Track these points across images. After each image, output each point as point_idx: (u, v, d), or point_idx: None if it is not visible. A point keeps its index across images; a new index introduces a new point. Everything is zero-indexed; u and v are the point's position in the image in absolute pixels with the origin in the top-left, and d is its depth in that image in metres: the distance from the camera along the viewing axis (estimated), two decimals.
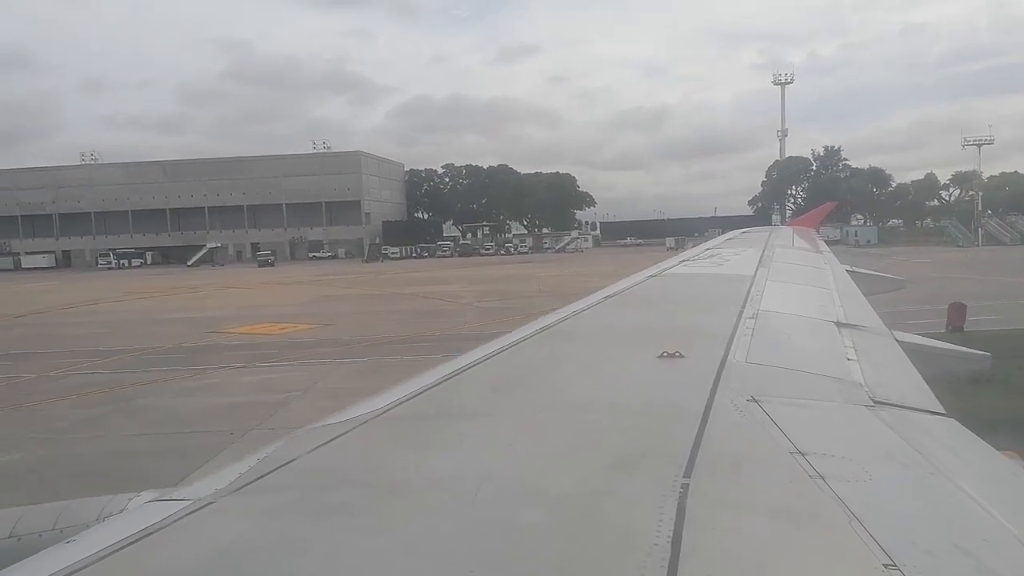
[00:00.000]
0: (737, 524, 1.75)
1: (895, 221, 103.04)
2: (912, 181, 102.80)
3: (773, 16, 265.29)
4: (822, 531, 1.74)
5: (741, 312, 4.64)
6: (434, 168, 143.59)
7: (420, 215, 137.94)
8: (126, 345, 26.47)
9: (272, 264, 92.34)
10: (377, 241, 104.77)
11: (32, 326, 34.43)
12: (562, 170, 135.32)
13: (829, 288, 6.47)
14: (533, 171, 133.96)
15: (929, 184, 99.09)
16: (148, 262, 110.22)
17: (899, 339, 4.51)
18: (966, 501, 1.99)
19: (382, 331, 27.69)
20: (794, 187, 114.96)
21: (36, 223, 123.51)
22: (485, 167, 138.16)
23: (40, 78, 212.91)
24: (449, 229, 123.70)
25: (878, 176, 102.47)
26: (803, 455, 2.15)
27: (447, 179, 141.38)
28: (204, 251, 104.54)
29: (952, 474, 2.18)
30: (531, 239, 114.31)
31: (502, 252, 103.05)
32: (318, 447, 2.34)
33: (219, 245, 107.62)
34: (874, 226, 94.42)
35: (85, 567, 1.62)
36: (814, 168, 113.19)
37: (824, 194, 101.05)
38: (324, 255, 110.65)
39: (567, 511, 1.80)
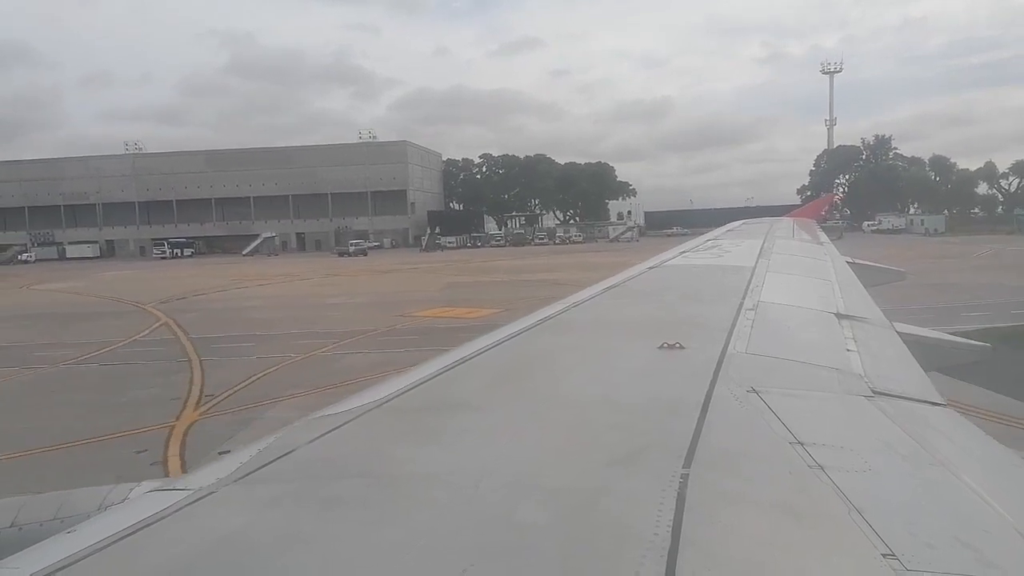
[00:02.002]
0: (736, 515, 1.75)
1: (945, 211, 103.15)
2: (959, 169, 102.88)
3: (774, 9, 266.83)
4: (821, 521, 1.74)
5: (741, 303, 4.62)
6: (471, 158, 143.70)
7: (453, 205, 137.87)
8: (337, 328, 26.46)
9: (366, 253, 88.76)
10: (438, 230, 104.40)
11: (197, 311, 34.30)
12: (565, 160, 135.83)
13: (829, 279, 6.47)
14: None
15: (988, 172, 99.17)
16: (196, 252, 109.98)
17: (899, 330, 4.50)
18: (965, 491, 1.99)
19: None
20: (842, 175, 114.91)
21: (78, 212, 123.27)
22: (522, 157, 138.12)
23: (43, 72, 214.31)
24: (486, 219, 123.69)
25: (941, 164, 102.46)
26: (803, 445, 2.16)
27: (484, 169, 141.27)
28: (259, 240, 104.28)
29: (951, 465, 2.18)
30: (575, 228, 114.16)
31: (556, 242, 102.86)
32: (318, 437, 2.36)
33: (273, 235, 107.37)
34: (941, 215, 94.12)
35: (86, 556, 1.61)
36: (863, 157, 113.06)
37: (881, 183, 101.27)
38: (370, 244, 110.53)
39: (567, 502, 1.81)
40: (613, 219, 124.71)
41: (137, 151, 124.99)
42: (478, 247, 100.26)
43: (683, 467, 1.96)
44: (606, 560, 1.53)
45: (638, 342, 3.62)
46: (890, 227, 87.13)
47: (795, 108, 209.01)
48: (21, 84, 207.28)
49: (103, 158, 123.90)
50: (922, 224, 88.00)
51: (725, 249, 8.77)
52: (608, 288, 5.73)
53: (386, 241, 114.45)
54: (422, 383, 3.01)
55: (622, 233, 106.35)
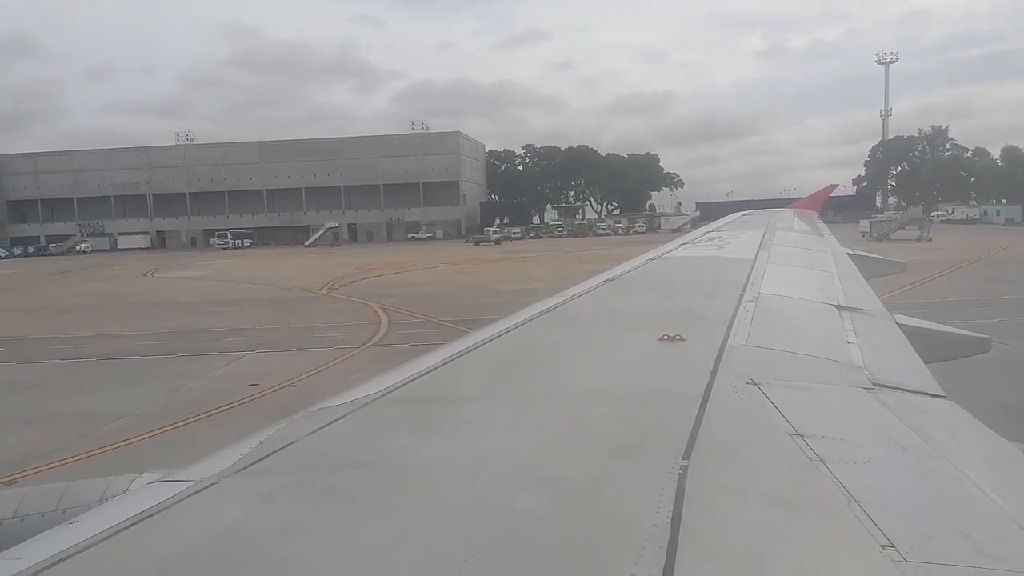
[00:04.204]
0: (736, 506, 1.76)
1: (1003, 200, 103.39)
2: None
3: (778, 1, 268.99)
4: (821, 513, 1.75)
5: (741, 295, 4.62)
6: (512, 149, 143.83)
7: (492, 196, 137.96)
8: None
9: (500, 243, 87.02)
10: (506, 221, 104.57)
11: (393, 296, 34.20)
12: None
13: (830, 271, 6.46)
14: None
15: None
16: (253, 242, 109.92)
17: (899, 322, 4.51)
18: (964, 483, 2.00)
19: None
20: (896, 166, 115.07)
21: (128, 203, 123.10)
22: (563, 148, 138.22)
23: (45, 64, 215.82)
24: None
25: (1013, 155, 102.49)
26: (802, 437, 2.16)
27: (528, 160, 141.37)
28: (323, 231, 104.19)
29: (951, 457, 2.19)
30: (627, 219, 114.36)
31: (620, 232, 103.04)
32: (318, 429, 2.37)
33: (335, 225, 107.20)
34: (1017, 206, 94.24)
35: (88, 548, 1.62)
36: (919, 147, 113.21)
37: (947, 174, 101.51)
38: (423, 236, 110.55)
39: (567, 493, 1.82)
40: (649, 210, 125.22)
41: (189, 142, 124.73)
42: (541, 238, 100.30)
43: (683, 459, 1.96)
44: (606, 551, 1.53)
45: (638, 334, 3.61)
46: (964, 217, 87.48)
47: (796, 101, 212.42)
48: (24, 76, 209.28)
49: (155, 148, 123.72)
50: (998, 214, 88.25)
51: (726, 241, 8.74)
52: (608, 280, 5.71)
53: (439, 232, 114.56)
54: (422, 375, 3.02)
55: (683, 224, 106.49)
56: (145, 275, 54.60)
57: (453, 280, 41.62)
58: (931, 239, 60.45)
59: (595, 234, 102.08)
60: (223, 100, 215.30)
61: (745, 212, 15.37)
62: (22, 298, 40.56)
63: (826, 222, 12.56)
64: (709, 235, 9.86)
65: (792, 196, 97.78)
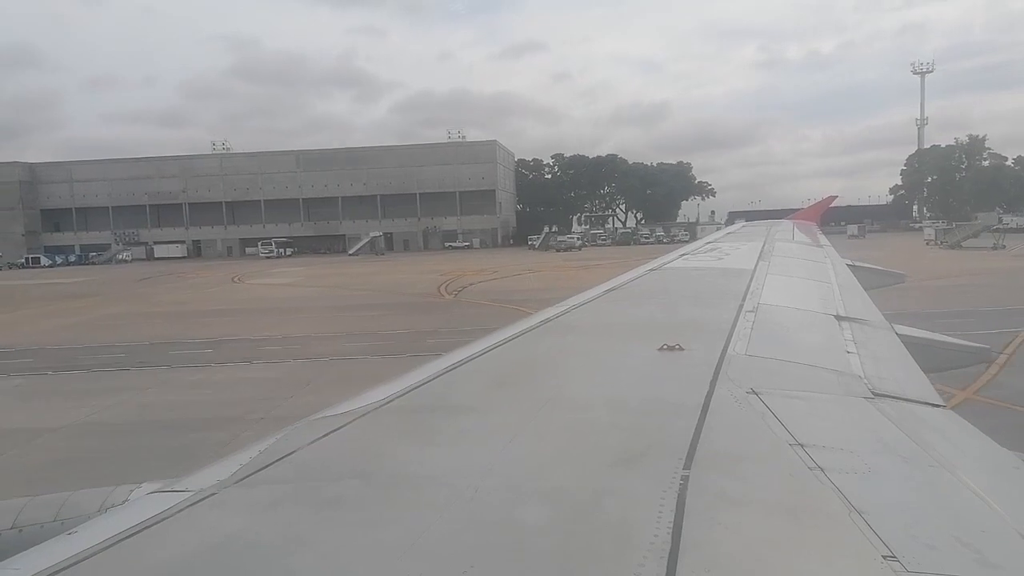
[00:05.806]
0: (737, 516, 1.76)
1: None
2: None
3: (775, 13, 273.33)
4: (821, 523, 1.75)
5: (741, 305, 4.65)
6: (540, 158, 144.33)
7: (519, 205, 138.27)
8: None
9: (580, 248, 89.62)
10: (555, 229, 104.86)
11: (533, 303, 34.37)
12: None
13: (829, 282, 6.51)
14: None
15: None
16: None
17: (899, 332, 4.54)
18: (964, 492, 2.01)
19: (953, 305, 27.98)
20: (931, 176, 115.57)
21: (164, 212, 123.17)
22: (592, 157, 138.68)
23: (47, 74, 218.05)
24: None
25: None
26: (802, 447, 2.18)
27: (556, 169, 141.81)
28: (366, 240, 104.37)
29: (951, 466, 2.20)
30: (664, 228, 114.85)
31: (664, 241, 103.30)
32: (318, 439, 2.37)
33: (379, 234, 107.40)
34: None
35: (87, 558, 1.62)
36: (956, 156, 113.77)
37: (989, 183, 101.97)
38: (460, 244, 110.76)
39: (568, 503, 1.83)
40: (679, 219, 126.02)
41: (225, 151, 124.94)
42: (586, 245, 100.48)
43: (683, 469, 1.97)
44: (606, 562, 1.52)
45: (638, 344, 3.63)
46: (1015, 226, 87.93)
47: (792, 112, 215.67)
48: (25, 86, 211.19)
49: (191, 157, 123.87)
50: None
51: (725, 252, 8.80)
52: (608, 290, 5.75)
53: (475, 241, 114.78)
54: (423, 384, 3.02)
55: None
56: (234, 281, 54.56)
57: (567, 285, 41.53)
58: (1005, 247, 60.69)
59: (638, 243, 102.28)
60: (224, 110, 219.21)
61: (744, 223, 15.70)
62: (142, 305, 40.15)
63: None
64: (709, 246, 10.00)
65: (849, 205, 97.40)
